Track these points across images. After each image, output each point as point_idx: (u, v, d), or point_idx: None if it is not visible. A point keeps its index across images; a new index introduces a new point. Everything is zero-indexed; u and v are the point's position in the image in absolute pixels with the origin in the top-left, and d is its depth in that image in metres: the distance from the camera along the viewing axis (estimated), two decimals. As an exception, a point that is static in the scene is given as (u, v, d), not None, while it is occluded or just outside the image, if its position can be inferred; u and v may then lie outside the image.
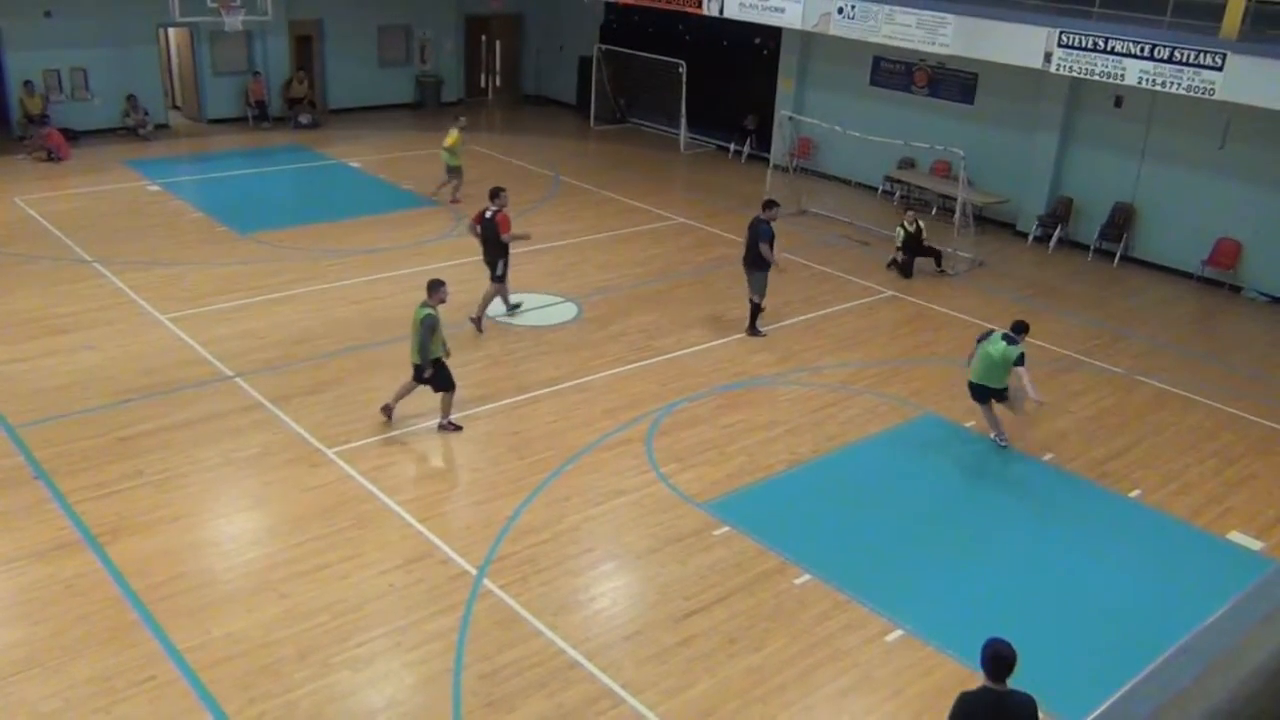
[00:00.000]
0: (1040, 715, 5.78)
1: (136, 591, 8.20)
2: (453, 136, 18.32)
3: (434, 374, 10.73)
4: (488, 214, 13.32)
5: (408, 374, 10.92)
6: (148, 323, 13.18)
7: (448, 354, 10.85)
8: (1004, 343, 10.81)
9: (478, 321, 13.41)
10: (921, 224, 16.41)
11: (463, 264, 15.83)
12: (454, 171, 18.55)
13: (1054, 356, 13.78)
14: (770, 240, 13.29)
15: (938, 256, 16.57)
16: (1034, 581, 9.08)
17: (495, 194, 13.48)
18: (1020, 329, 10.93)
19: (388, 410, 10.94)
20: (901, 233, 16.32)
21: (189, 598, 8.18)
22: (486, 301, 13.49)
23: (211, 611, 8.04)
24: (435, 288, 10.78)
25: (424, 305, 10.67)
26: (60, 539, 8.79)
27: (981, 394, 11.11)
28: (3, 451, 10.09)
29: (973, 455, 11.31)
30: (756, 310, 13.77)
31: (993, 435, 11.30)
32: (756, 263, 13.49)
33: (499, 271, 13.35)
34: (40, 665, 7.38)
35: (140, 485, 9.64)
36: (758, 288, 13.63)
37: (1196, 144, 16.79)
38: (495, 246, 13.27)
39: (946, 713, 6.13)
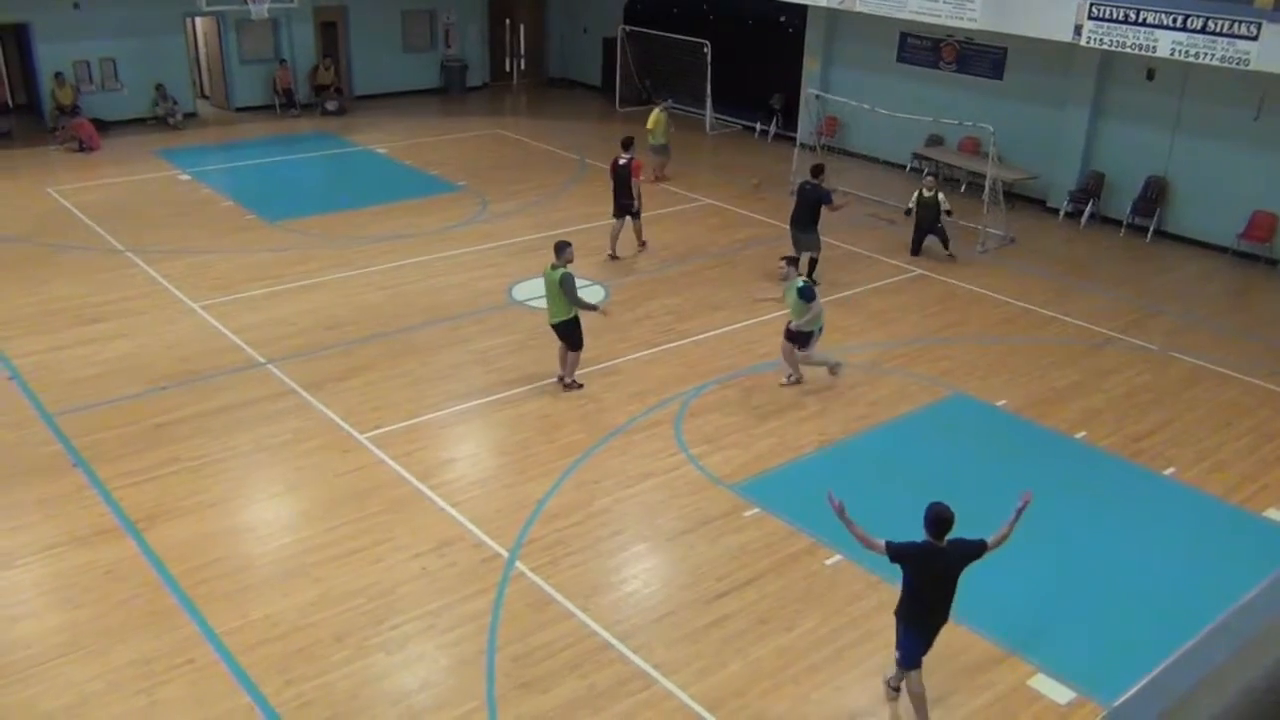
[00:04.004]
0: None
1: (175, 576, 8.32)
2: (653, 118, 19.01)
3: (573, 331, 11.26)
4: (621, 161, 15.35)
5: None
6: (180, 311, 13.33)
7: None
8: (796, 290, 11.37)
9: (617, 253, 15.65)
10: (942, 196, 15.78)
11: (489, 249, 15.90)
12: (658, 150, 19.25)
13: (1086, 334, 13.65)
14: (827, 199, 14.56)
15: (945, 239, 15.99)
16: (1067, 560, 9.03)
17: (628, 144, 15.58)
18: (794, 261, 11.73)
19: (571, 385, 11.52)
20: (916, 196, 15.87)
21: (226, 582, 8.29)
22: (638, 233, 15.91)
23: (248, 595, 8.15)
24: (563, 248, 11.16)
25: (555, 267, 11.05)
26: (99, 525, 8.94)
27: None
28: (42, 439, 10.25)
29: (1004, 435, 11.23)
30: (814, 263, 14.77)
31: (829, 366, 11.89)
32: (809, 224, 14.54)
33: (635, 209, 15.57)
34: (83, 648, 7.52)
35: (176, 471, 9.77)
36: (815, 245, 14.70)
37: (1231, 116, 16.53)
38: (628, 190, 15.32)
39: (969, 694, 6.15)
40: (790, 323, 11.45)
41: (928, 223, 15.88)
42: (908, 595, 6.88)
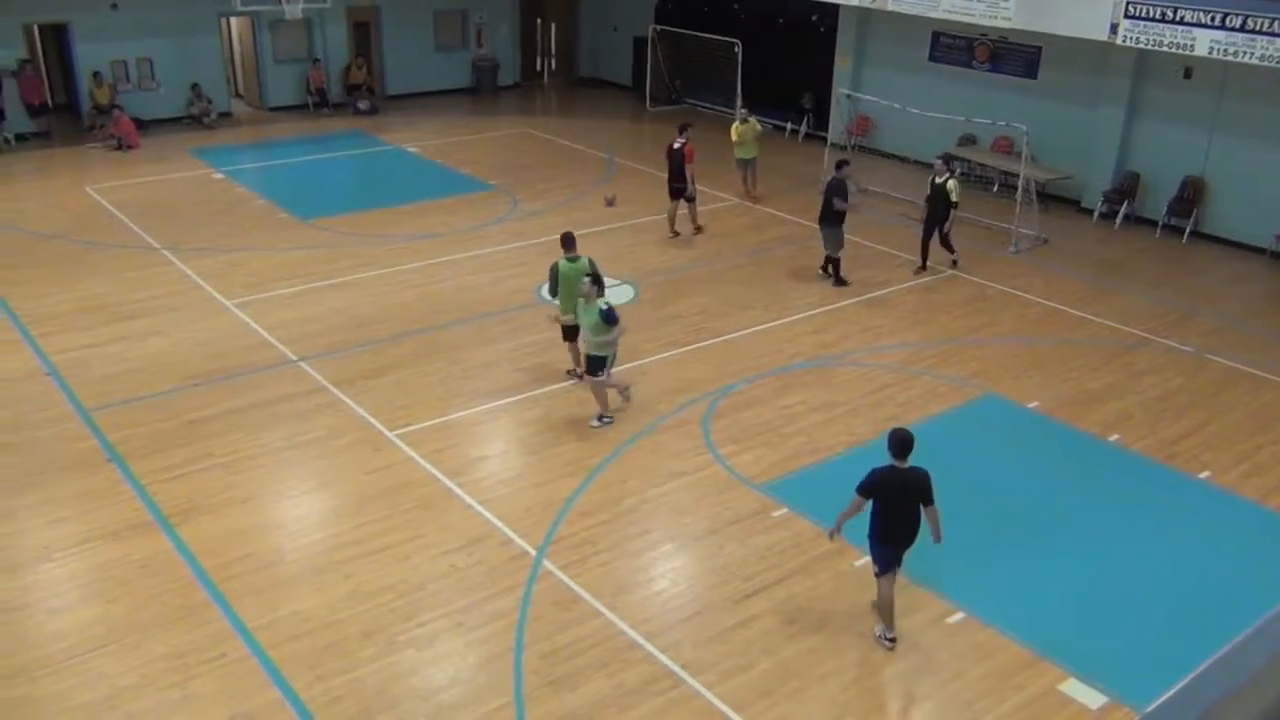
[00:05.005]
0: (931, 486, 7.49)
1: (207, 571, 8.41)
2: (735, 130, 18.34)
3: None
4: (675, 145, 16.12)
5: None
6: (214, 308, 13.46)
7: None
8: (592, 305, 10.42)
9: (676, 229, 16.62)
10: (953, 184, 14.64)
11: (519, 248, 15.95)
12: (740, 164, 18.62)
13: (1120, 335, 13.50)
14: (843, 194, 14.43)
15: (947, 243, 15.15)
16: (1100, 564, 8.94)
17: (683, 129, 16.36)
18: (599, 283, 10.59)
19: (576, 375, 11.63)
20: (930, 183, 14.90)
21: (257, 577, 8.37)
22: (693, 218, 16.71)
23: (279, 591, 8.22)
24: (574, 239, 11.41)
25: (573, 259, 11.19)
26: (133, 520, 9.05)
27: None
28: (78, 435, 10.39)
29: (1036, 436, 11.13)
30: (838, 263, 14.84)
31: (620, 390, 11.07)
32: (834, 220, 14.49)
33: (689, 193, 16.30)
34: (117, 642, 7.62)
35: (209, 467, 9.88)
36: (837, 243, 14.72)
37: (1270, 115, 16.28)
38: (682, 174, 16.09)
39: (999, 698, 6.08)
40: (586, 350, 10.64)
41: (936, 214, 14.88)
42: (877, 518, 7.58)
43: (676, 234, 16.56)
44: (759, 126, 18.55)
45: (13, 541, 8.75)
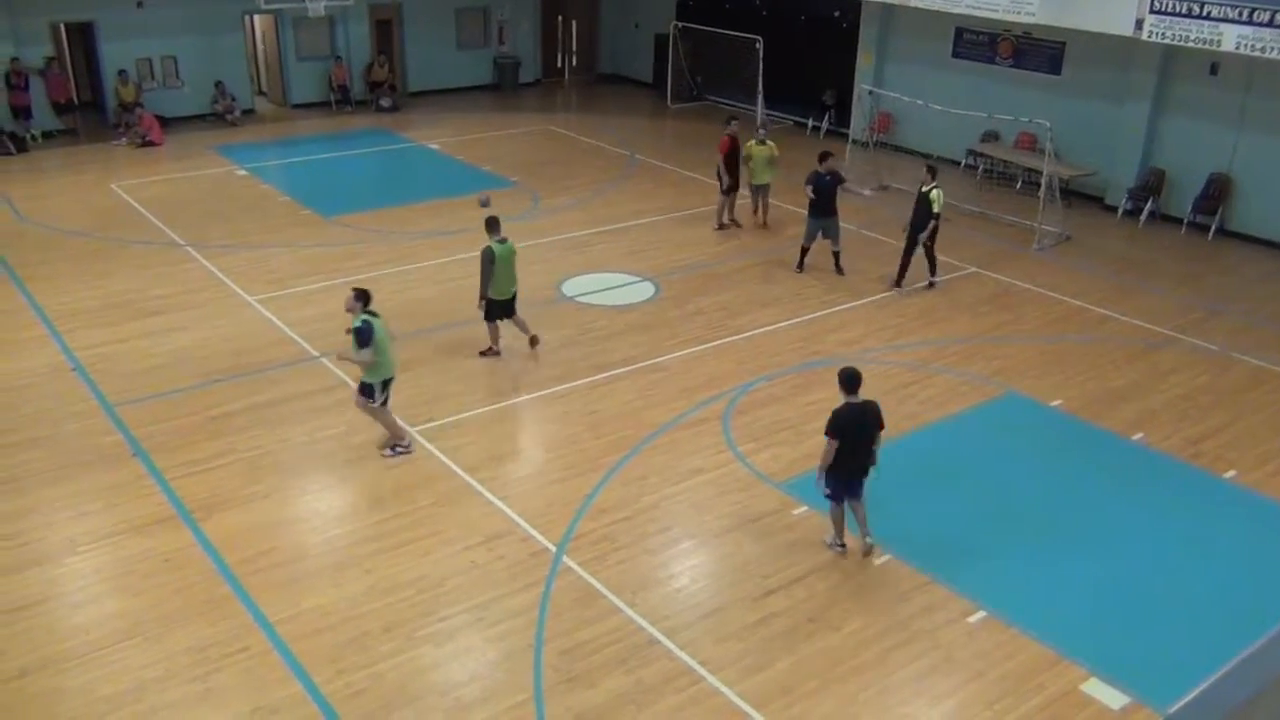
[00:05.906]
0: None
1: (229, 565, 8.48)
2: (745, 150, 16.47)
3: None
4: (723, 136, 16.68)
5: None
6: (237, 304, 13.55)
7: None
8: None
9: (723, 226, 16.92)
10: (936, 194, 13.84)
11: (540, 244, 15.95)
12: (751, 190, 16.89)
13: (1145, 334, 13.39)
14: (841, 181, 14.90)
15: (931, 260, 14.42)
16: (1122, 563, 8.87)
17: (728, 122, 16.99)
18: (363, 298, 9.93)
19: (534, 341, 12.32)
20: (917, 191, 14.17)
21: (279, 572, 8.43)
22: (720, 210, 16.94)
23: (300, 585, 8.27)
24: (499, 223, 11.84)
25: (504, 240, 11.71)
26: (158, 514, 9.13)
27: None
28: (103, 429, 10.49)
29: (1058, 435, 11.05)
30: (837, 254, 15.08)
31: (393, 444, 10.17)
32: (831, 211, 14.70)
33: (724, 186, 16.59)
34: (141, 635, 7.69)
35: (232, 462, 9.95)
36: (838, 232, 14.98)
37: (1298, 111, 16.12)
38: (718, 167, 16.65)
39: (1020, 698, 6.02)
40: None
41: (918, 224, 14.14)
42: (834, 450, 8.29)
43: (738, 224, 16.97)
44: (776, 151, 16.59)
45: (39, 535, 8.84)
